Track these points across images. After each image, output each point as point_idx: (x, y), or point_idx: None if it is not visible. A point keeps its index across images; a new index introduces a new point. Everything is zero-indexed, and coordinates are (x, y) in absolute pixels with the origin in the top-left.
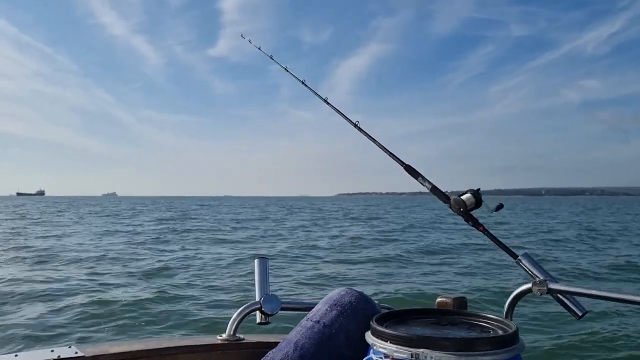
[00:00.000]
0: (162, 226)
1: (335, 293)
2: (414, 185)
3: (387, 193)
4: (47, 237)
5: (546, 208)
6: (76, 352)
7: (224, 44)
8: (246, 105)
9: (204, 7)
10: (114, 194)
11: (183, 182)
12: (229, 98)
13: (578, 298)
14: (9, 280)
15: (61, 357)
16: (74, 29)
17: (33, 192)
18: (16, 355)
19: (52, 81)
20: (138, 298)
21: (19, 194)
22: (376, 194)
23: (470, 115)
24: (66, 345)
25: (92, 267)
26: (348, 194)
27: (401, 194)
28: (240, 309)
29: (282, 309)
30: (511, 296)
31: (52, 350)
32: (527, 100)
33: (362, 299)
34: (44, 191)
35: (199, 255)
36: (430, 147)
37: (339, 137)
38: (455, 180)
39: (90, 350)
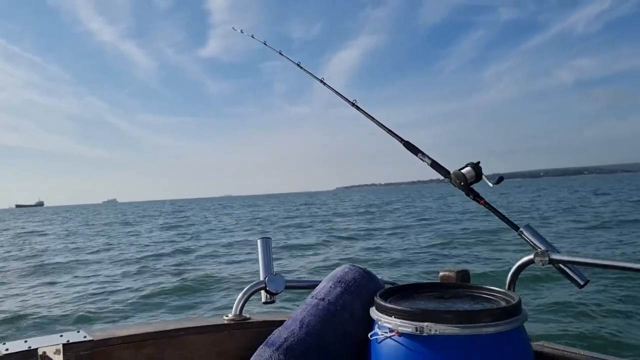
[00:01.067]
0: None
1: (339, 270)
2: (412, 175)
3: (386, 184)
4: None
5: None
6: (85, 336)
7: (214, 43)
8: (241, 103)
9: (192, 7)
10: (114, 201)
11: (182, 184)
12: (223, 97)
13: (580, 267)
14: None
15: (70, 341)
16: (62, 37)
17: (32, 203)
18: (25, 341)
19: (44, 90)
20: None
21: (17, 206)
22: (375, 185)
23: (465, 101)
24: (75, 330)
25: None
26: (347, 187)
27: (400, 184)
28: (245, 288)
29: (287, 287)
30: (513, 267)
31: (61, 335)
32: (521, 82)
33: (366, 275)
34: (43, 202)
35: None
36: (426, 134)
37: (335, 131)
38: (452, 167)
39: (99, 334)
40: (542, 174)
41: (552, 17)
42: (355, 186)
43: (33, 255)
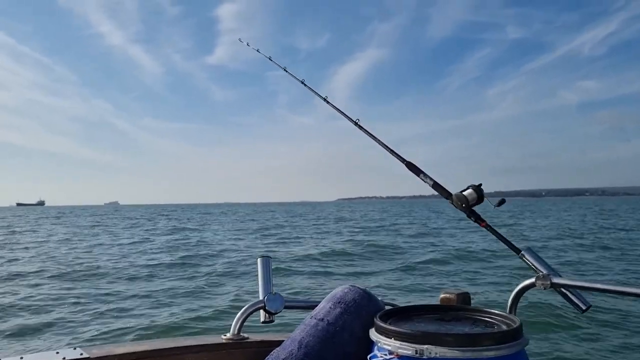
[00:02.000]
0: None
1: (338, 290)
2: (414, 189)
3: (388, 197)
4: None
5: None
6: (81, 354)
7: (221, 51)
8: (245, 112)
9: (200, 15)
10: (116, 203)
11: (183, 189)
12: (227, 105)
13: (582, 292)
14: None
15: (66, 358)
16: (72, 39)
17: (33, 202)
18: (21, 358)
19: (50, 91)
20: None
21: (18, 205)
22: (377, 197)
23: (469, 118)
24: (71, 347)
25: None
26: (348, 199)
27: (401, 197)
28: (244, 308)
29: (286, 307)
30: (515, 291)
31: (57, 352)
32: (525, 102)
33: (366, 296)
34: (44, 201)
35: None
36: (429, 151)
37: (338, 142)
38: (454, 183)
39: (96, 351)
40: (543, 193)
41: (558, 38)
42: (356, 198)
43: None
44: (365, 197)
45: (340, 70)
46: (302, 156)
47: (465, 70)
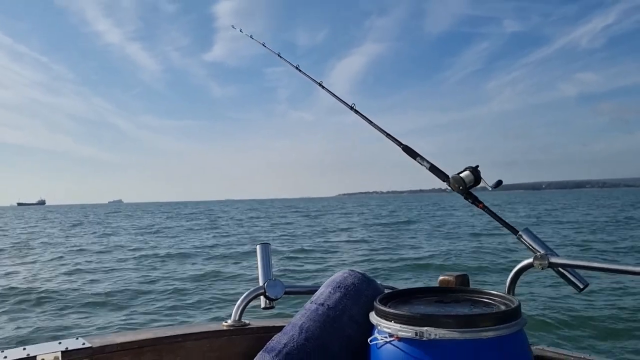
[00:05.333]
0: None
1: (338, 275)
2: (414, 184)
3: (388, 192)
4: None
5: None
6: (83, 344)
7: (219, 48)
8: (245, 108)
9: (198, 12)
10: (119, 201)
11: (185, 186)
12: (227, 102)
13: (579, 271)
14: None
15: (69, 348)
16: (69, 37)
17: (34, 201)
18: (24, 349)
19: (49, 90)
20: None
21: (19, 204)
22: (377, 193)
23: (469, 112)
24: (73, 337)
25: None
26: (349, 194)
27: (402, 192)
28: (245, 294)
29: (286, 293)
30: (513, 271)
31: (60, 342)
32: (525, 95)
33: (365, 280)
34: (44, 200)
35: None
36: (429, 144)
37: (338, 137)
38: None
39: (98, 341)
40: (544, 186)
41: (556, 30)
42: (357, 193)
43: None
44: (365, 192)
45: (339, 65)
46: (302, 151)
47: (464, 63)
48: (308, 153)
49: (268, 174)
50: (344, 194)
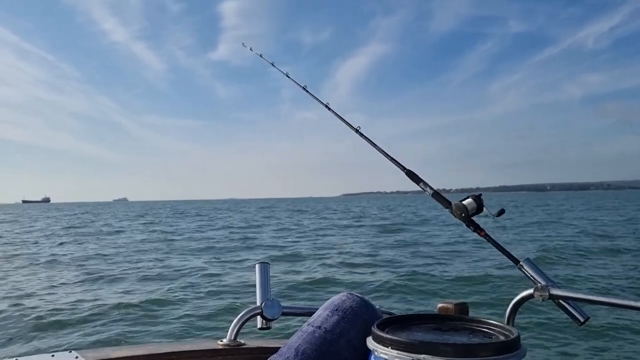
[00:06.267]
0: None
1: (336, 298)
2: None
3: (392, 192)
4: None
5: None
6: (76, 357)
7: (224, 48)
8: (249, 108)
9: (203, 12)
10: (124, 200)
11: (188, 185)
12: (231, 101)
13: (580, 304)
14: None
15: None
16: (75, 36)
17: (39, 199)
18: None
19: (54, 88)
20: None
21: (24, 202)
22: (381, 193)
23: (473, 113)
24: (66, 350)
25: None
26: (353, 194)
27: (406, 192)
28: (241, 314)
29: (283, 314)
30: (513, 302)
31: (53, 355)
32: (530, 96)
33: (363, 304)
34: (49, 198)
35: None
36: (433, 146)
37: (342, 137)
38: (459, 178)
39: (91, 355)
40: (548, 187)
41: (561, 31)
42: (361, 193)
43: None
44: (370, 193)
45: (343, 66)
46: (306, 151)
47: (469, 64)
48: (312, 153)
49: (271, 174)
50: (348, 194)
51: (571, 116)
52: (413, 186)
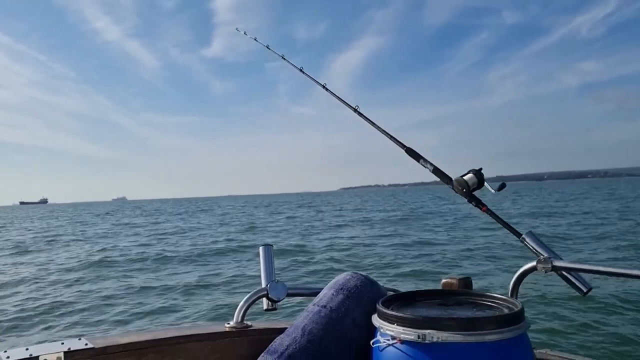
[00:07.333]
0: None
1: (340, 277)
2: (416, 177)
3: (390, 185)
4: None
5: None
6: (86, 344)
7: (218, 43)
8: (245, 103)
9: (197, 7)
10: (123, 198)
11: (187, 183)
12: (227, 97)
13: (583, 275)
14: None
15: (71, 349)
16: (68, 36)
17: (36, 200)
18: (27, 349)
19: (50, 89)
20: None
21: (22, 203)
22: (378, 186)
23: (470, 103)
24: (76, 337)
25: None
26: (350, 188)
27: (404, 185)
28: (247, 296)
29: (289, 295)
30: (516, 275)
31: (63, 343)
32: (526, 85)
33: (368, 282)
34: (46, 199)
35: None
36: (430, 136)
37: (338, 131)
38: (456, 168)
39: (100, 341)
40: (545, 176)
41: (555, 20)
42: (358, 187)
43: None
44: (367, 186)
45: (339, 59)
46: (303, 146)
47: (464, 55)
48: (308, 147)
49: (268, 169)
50: (346, 188)
51: (568, 105)
52: (409, 179)
